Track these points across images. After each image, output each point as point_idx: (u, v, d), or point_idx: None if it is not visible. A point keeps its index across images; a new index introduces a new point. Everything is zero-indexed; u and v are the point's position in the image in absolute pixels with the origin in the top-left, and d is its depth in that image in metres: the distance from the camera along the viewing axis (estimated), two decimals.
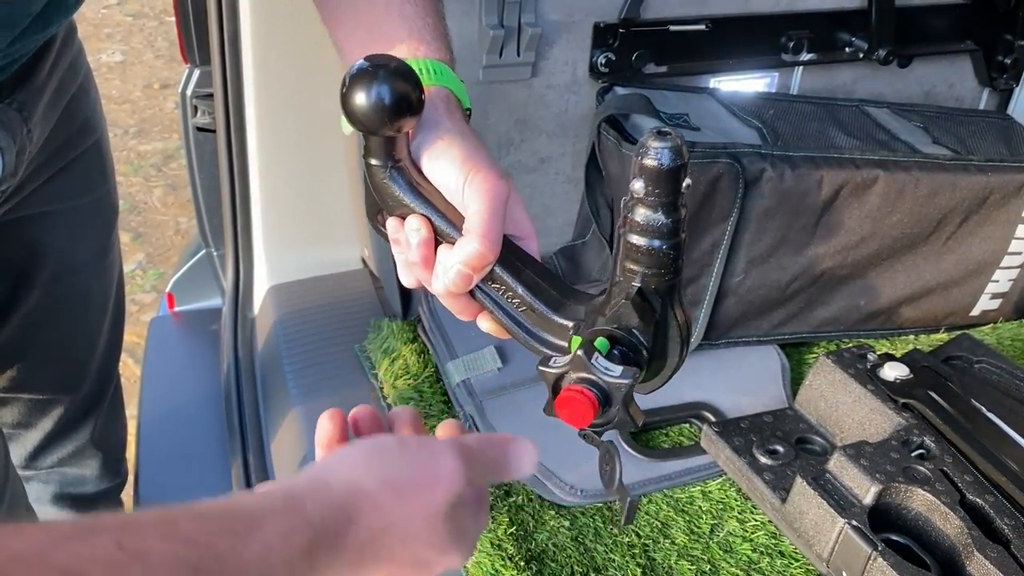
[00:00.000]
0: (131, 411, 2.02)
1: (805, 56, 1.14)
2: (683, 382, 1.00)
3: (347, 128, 0.64)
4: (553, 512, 0.84)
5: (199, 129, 1.32)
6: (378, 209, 0.63)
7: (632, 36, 1.03)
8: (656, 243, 0.53)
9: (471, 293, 0.62)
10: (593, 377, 0.55)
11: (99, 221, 1.01)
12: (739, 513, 0.85)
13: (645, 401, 1.00)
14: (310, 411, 0.99)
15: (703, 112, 1.03)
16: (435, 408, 0.96)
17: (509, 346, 1.00)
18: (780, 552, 0.81)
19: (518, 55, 0.99)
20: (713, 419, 0.94)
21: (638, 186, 0.51)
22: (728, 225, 0.95)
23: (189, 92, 1.29)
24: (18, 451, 1.10)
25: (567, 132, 1.08)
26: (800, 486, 0.77)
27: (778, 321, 1.05)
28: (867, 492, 0.74)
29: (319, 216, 1.23)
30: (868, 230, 1.00)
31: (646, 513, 0.85)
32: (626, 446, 0.90)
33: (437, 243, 0.61)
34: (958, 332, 1.05)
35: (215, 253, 1.44)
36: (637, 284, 0.54)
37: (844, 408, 0.88)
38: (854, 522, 0.72)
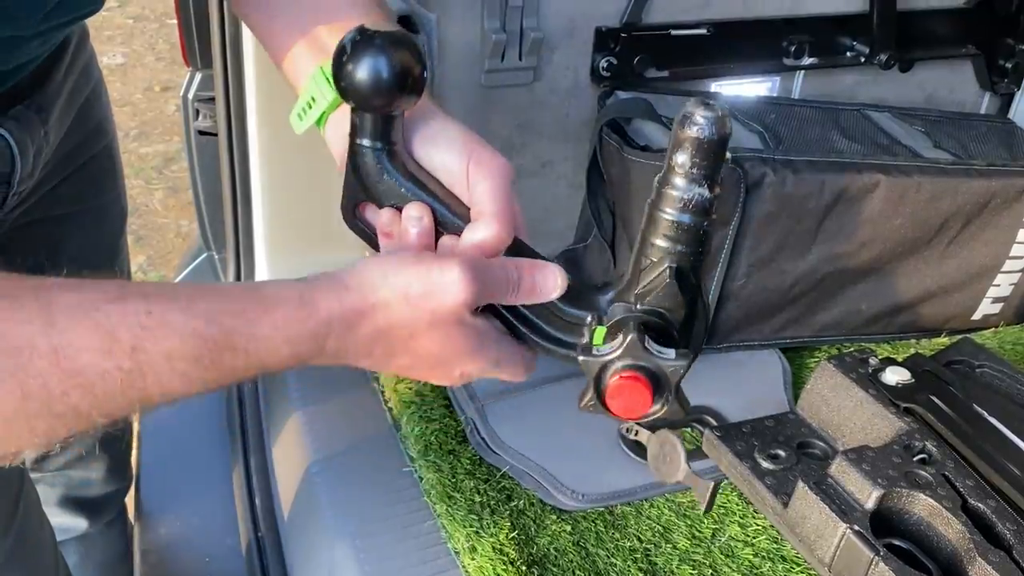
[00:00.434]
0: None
1: (807, 60, 1.14)
2: (685, 386, 1.00)
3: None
4: (555, 516, 0.84)
5: (201, 133, 1.33)
6: (357, 202, 0.59)
7: (634, 41, 1.03)
8: (696, 219, 0.50)
9: None
10: (645, 363, 0.52)
11: (109, 224, 1.01)
12: (741, 518, 0.85)
13: None
14: (311, 414, 0.99)
15: None
16: (436, 412, 0.96)
17: None
18: (782, 557, 0.81)
19: (520, 59, 0.99)
20: (714, 423, 0.94)
21: (682, 159, 0.48)
22: (729, 229, 0.95)
23: (191, 96, 1.29)
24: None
25: (569, 136, 1.09)
26: (802, 491, 0.77)
27: (779, 325, 1.05)
28: (869, 497, 0.74)
29: (320, 219, 1.23)
30: (870, 235, 1.00)
31: (647, 518, 0.85)
32: (628, 451, 0.90)
33: (438, 233, 0.57)
34: (960, 336, 1.05)
35: (216, 256, 1.44)
36: (673, 265, 0.51)
37: (846, 413, 0.88)
38: (856, 527, 0.72)
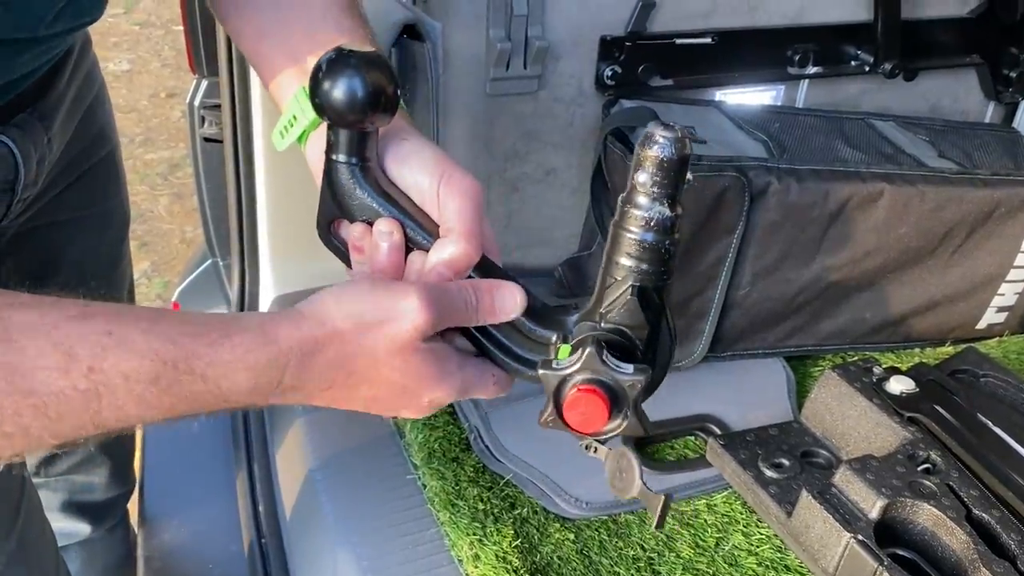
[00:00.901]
0: None
1: (811, 69, 1.14)
2: (689, 395, 1.00)
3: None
4: (558, 525, 0.84)
5: (206, 139, 1.33)
6: (332, 218, 0.60)
7: (638, 49, 1.04)
8: (657, 238, 0.51)
9: None
10: (602, 378, 0.52)
11: (112, 231, 1.02)
12: (744, 527, 0.85)
13: (652, 413, 1.00)
14: (315, 421, 0.99)
15: (709, 125, 1.03)
16: (440, 419, 0.96)
17: None
18: (785, 566, 0.81)
19: (525, 68, 0.99)
20: (719, 432, 0.94)
21: (643, 179, 0.50)
22: (734, 238, 0.95)
23: (197, 103, 1.30)
24: (29, 459, 1.11)
25: (573, 144, 1.09)
26: (806, 500, 0.77)
27: (784, 334, 1.05)
28: (873, 506, 0.74)
29: None
30: (874, 243, 1.01)
31: (650, 526, 0.84)
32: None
33: (408, 249, 0.58)
34: (964, 346, 1.05)
35: (221, 262, 1.44)
36: (636, 284, 0.52)
37: (850, 422, 0.88)
38: (860, 536, 0.72)
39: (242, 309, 1.27)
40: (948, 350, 1.09)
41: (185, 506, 1.10)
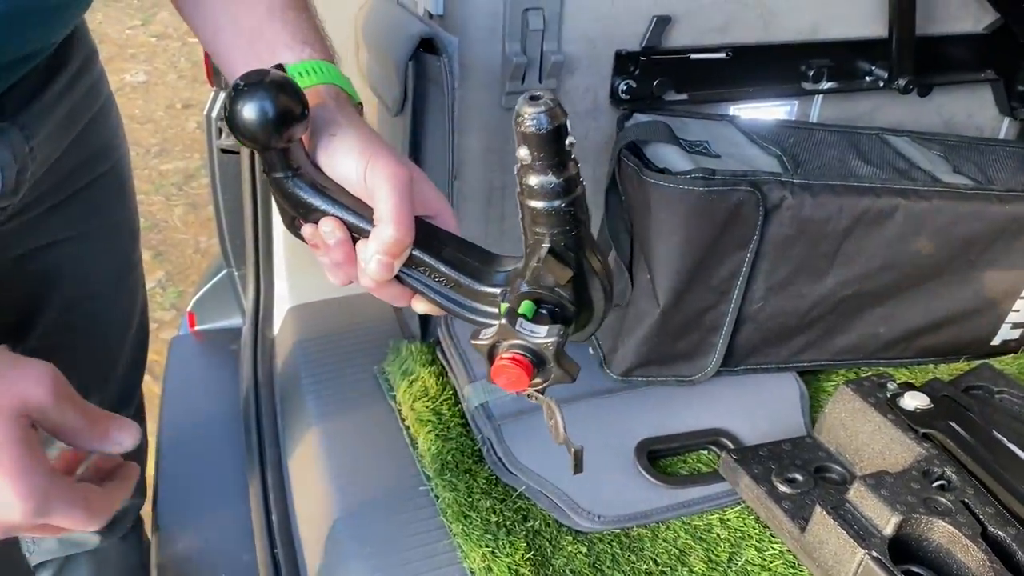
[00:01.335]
0: (151, 427, 2.02)
1: (825, 85, 1.14)
2: (702, 408, 1.00)
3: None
4: (571, 538, 0.84)
5: (223, 151, 1.34)
6: (293, 216, 0.64)
7: (653, 64, 1.04)
8: (555, 203, 0.54)
9: (398, 279, 0.63)
10: (522, 341, 0.57)
11: (116, 246, 1.01)
12: (757, 542, 0.84)
13: (665, 427, 1.00)
14: (329, 432, 1.00)
15: (723, 139, 1.04)
16: (453, 431, 0.96)
17: None
18: None
19: (540, 82, 1.00)
20: (732, 446, 0.94)
21: (523, 153, 0.52)
22: (748, 252, 0.95)
23: (214, 114, 1.31)
24: None
25: (587, 157, 1.09)
26: (820, 515, 0.76)
27: (797, 348, 1.05)
28: (887, 523, 0.74)
29: None
30: (888, 259, 1.00)
31: (664, 540, 0.84)
32: (645, 473, 0.90)
33: (355, 239, 0.62)
34: (978, 362, 1.05)
35: (236, 273, 1.46)
36: (547, 244, 0.56)
37: (864, 437, 0.88)
38: (874, 553, 0.72)
39: (257, 319, 1.28)
40: (962, 366, 1.09)
41: (198, 515, 1.11)
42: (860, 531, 0.74)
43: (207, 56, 1.29)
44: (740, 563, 0.82)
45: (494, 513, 0.86)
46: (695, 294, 0.97)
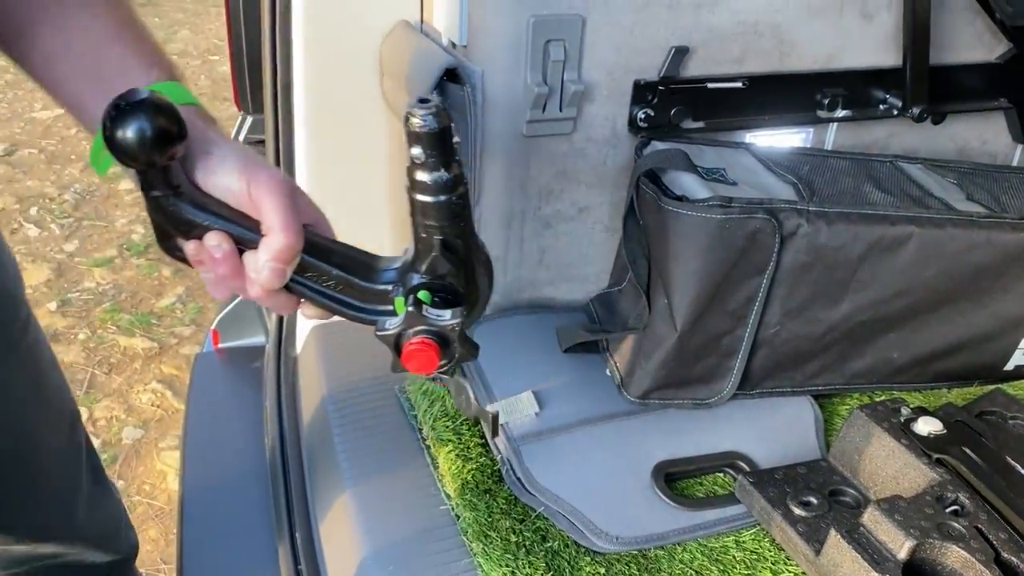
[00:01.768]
0: (172, 443, 2.05)
1: (840, 113, 1.16)
2: (717, 432, 1.01)
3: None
4: (589, 558, 0.86)
5: None
6: (169, 236, 0.65)
7: (671, 93, 1.07)
8: (444, 198, 0.59)
9: (287, 288, 0.66)
10: (427, 326, 0.63)
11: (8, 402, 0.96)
12: (773, 564, 0.86)
13: (682, 450, 1.01)
14: (350, 451, 1.02)
15: (739, 167, 1.06)
16: (473, 451, 0.98)
17: (546, 391, 1.02)
18: None
19: (560, 111, 1.02)
20: (747, 469, 0.95)
21: (417, 152, 0.57)
22: (764, 278, 0.97)
23: (242, 138, 1.34)
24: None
25: (605, 183, 1.11)
26: (834, 539, 0.78)
27: (812, 372, 1.06)
28: (901, 547, 0.75)
29: None
30: (902, 285, 1.02)
31: (680, 561, 0.86)
32: (662, 495, 0.92)
33: (240, 252, 0.64)
34: (992, 387, 1.06)
35: None
36: (439, 237, 0.61)
37: (878, 462, 0.89)
38: None
39: (280, 338, 1.30)
40: (975, 390, 1.10)
41: (224, 532, 1.12)
42: (874, 555, 0.75)
43: (236, 81, 1.33)
44: None
45: (514, 533, 0.87)
46: (712, 319, 0.99)
